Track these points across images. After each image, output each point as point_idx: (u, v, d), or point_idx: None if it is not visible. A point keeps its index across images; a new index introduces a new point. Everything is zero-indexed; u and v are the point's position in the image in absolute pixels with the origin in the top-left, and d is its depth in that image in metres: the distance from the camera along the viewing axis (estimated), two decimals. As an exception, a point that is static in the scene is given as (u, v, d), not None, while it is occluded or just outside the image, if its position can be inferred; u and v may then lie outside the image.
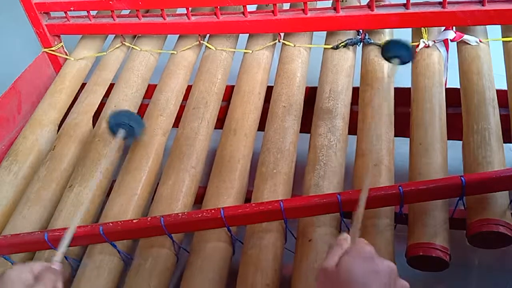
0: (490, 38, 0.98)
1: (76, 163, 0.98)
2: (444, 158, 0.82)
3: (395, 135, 0.89)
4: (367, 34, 1.04)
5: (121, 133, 0.84)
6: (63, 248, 0.64)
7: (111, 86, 1.13)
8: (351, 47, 1.04)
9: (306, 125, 0.95)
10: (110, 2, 1.08)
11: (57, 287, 0.58)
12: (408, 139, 0.88)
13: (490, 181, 0.68)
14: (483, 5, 0.90)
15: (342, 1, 1.04)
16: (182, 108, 1.04)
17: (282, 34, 1.08)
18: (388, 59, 0.78)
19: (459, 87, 0.94)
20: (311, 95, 1.02)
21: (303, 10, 1.00)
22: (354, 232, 0.57)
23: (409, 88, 0.96)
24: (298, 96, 0.98)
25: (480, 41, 0.96)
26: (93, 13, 1.16)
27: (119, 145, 0.84)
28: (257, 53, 1.07)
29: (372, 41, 1.02)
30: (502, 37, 0.96)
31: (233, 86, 1.05)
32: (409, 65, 0.82)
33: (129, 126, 0.84)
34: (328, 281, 0.51)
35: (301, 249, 0.76)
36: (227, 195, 0.85)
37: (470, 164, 0.79)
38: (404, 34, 1.05)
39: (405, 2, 0.95)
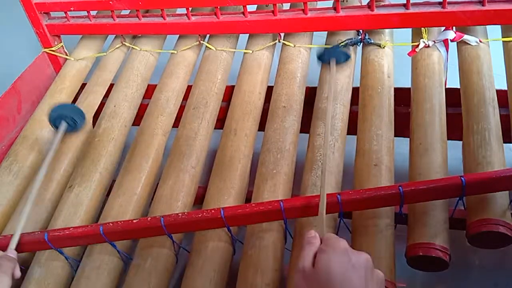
0: (490, 38, 0.98)
1: (76, 163, 0.98)
2: (444, 158, 0.82)
3: (395, 135, 0.89)
4: (367, 34, 1.04)
5: (63, 126, 0.88)
6: (16, 236, 0.73)
7: (111, 86, 1.13)
8: (351, 47, 1.04)
9: (306, 125, 0.95)
10: (110, 2, 1.08)
11: (16, 273, 0.68)
12: (408, 139, 0.88)
13: (490, 181, 0.68)
14: (483, 5, 0.90)
15: (342, 1, 1.04)
16: (182, 108, 1.04)
17: (282, 34, 1.08)
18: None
19: (459, 87, 0.94)
20: (311, 95, 1.02)
21: (303, 10, 1.00)
22: (322, 228, 0.57)
23: (409, 88, 0.96)
24: (298, 96, 0.98)
25: (480, 41, 0.96)
26: (93, 13, 1.16)
27: (61, 138, 0.89)
28: (257, 53, 1.07)
29: (372, 41, 1.02)
30: (502, 37, 0.96)
31: (233, 86, 1.05)
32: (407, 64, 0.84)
33: (70, 119, 0.88)
34: (306, 282, 0.51)
35: (298, 249, 0.76)
36: (227, 195, 0.85)
37: (470, 164, 0.79)
38: (404, 34, 1.05)
39: (405, 2, 0.95)
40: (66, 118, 0.88)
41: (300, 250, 0.54)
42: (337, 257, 0.50)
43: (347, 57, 0.88)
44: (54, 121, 0.87)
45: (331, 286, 0.48)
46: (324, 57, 0.89)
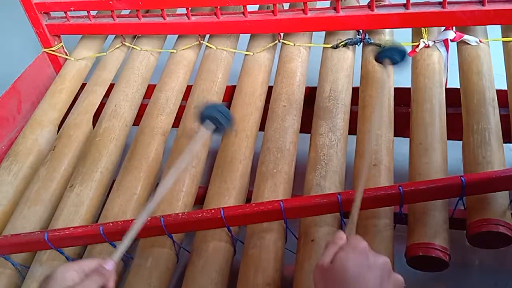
0: (490, 38, 0.98)
1: (77, 163, 0.98)
2: (444, 158, 0.82)
3: (395, 135, 0.89)
4: (367, 34, 1.04)
5: (210, 126, 0.77)
6: (124, 247, 0.59)
7: (111, 86, 1.13)
8: (350, 47, 1.04)
9: (306, 124, 0.95)
10: (110, 2, 1.08)
11: None
12: (408, 139, 0.88)
13: (490, 181, 0.68)
14: (483, 5, 0.90)
15: (342, 1, 1.04)
16: (182, 108, 1.04)
17: (282, 34, 1.08)
18: (381, 61, 0.79)
19: (459, 87, 0.94)
20: (311, 94, 1.02)
21: (303, 10, 1.00)
22: (350, 230, 0.57)
23: (409, 88, 0.96)
24: (298, 95, 0.98)
25: (480, 41, 0.96)
26: (93, 13, 1.16)
27: (206, 138, 0.79)
28: (258, 55, 1.07)
29: (372, 41, 1.02)
30: (502, 37, 0.96)
31: (233, 87, 1.05)
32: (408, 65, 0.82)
33: (218, 122, 0.77)
34: (324, 278, 0.51)
35: (303, 250, 0.76)
36: (228, 195, 0.85)
37: (470, 164, 0.79)
38: (404, 34, 1.05)
39: (405, 2, 0.95)
40: (216, 120, 0.76)
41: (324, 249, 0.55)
42: (354, 256, 0.51)
43: (404, 55, 0.79)
44: (203, 119, 0.80)
45: (345, 283, 0.49)
46: (380, 57, 0.80)
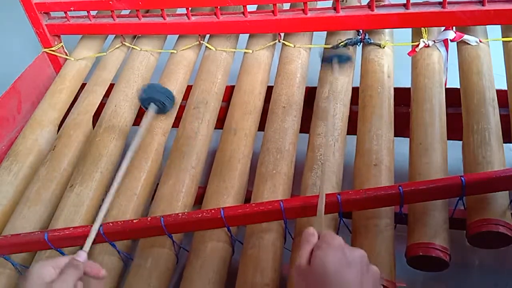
0: (490, 38, 0.98)
1: (77, 163, 0.98)
2: (444, 158, 0.82)
3: (395, 135, 0.89)
4: (367, 34, 1.04)
5: (152, 107, 0.83)
6: (91, 236, 0.64)
7: (111, 86, 1.13)
8: (351, 47, 1.04)
9: (306, 125, 0.95)
10: (110, 2, 1.08)
11: (78, 285, 0.56)
12: (408, 139, 0.88)
13: (490, 181, 0.68)
14: (483, 5, 0.90)
15: (342, 1, 1.04)
16: (182, 108, 1.04)
17: (282, 34, 1.08)
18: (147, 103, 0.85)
19: (459, 87, 0.94)
20: (311, 95, 1.02)
21: (303, 10, 1.00)
22: (319, 224, 0.57)
23: (409, 88, 0.96)
24: (298, 96, 0.98)
25: (480, 41, 0.96)
26: (93, 13, 1.16)
27: (150, 119, 0.84)
28: (257, 53, 1.07)
29: (372, 41, 1.03)
30: (502, 37, 0.96)
31: (233, 86, 1.05)
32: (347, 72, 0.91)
33: (160, 102, 0.83)
34: (304, 279, 0.51)
35: (298, 249, 0.76)
36: (227, 195, 0.86)
37: (470, 164, 0.79)
38: (404, 34, 1.05)
39: (405, 2, 0.95)
40: (156, 100, 0.83)
41: (298, 248, 0.55)
42: (333, 253, 0.51)
43: (349, 58, 0.88)
44: (144, 103, 0.84)
45: (327, 282, 0.49)
46: (326, 58, 0.89)
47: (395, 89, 0.97)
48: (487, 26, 0.98)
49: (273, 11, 1.02)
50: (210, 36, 1.14)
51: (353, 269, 0.49)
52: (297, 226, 0.80)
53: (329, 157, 0.85)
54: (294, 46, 1.06)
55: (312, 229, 0.56)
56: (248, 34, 1.13)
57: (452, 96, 0.94)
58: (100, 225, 0.68)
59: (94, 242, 0.80)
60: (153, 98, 0.83)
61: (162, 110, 0.85)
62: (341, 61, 0.86)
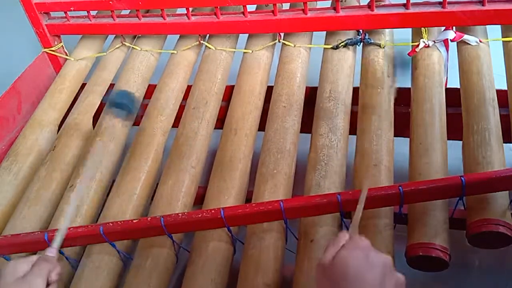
0: (490, 38, 0.98)
1: (77, 162, 0.98)
2: (444, 158, 0.82)
3: (395, 135, 0.89)
4: (367, 34, 1.04)
5: (116, 112, 0.86)
6: (60, 236, 0.67)
7: (111, 86, 1.13)
8: (351, 47, 1.04)
9: (307, 125, 0.95)
10: (110, 2, 1.08)
11: (52, 277, 0.60)
12: (408, 139, 0.88)
13: (490, 181, 0.68)
14: (483, 5, 0.90)
15: (342, 1, 1.04)
16: (182, 108, 1.04)
17: (282, 34, 1.08)
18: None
19: (459, 87, 0.94)
20: (311, 95, 1.02)
21: (303, 10, 1.00)
22: (353, 229, 0.57)
23: (409, 88, 0.96)
24: (298, 96, 0.98)
25: (480, 41, 0.96)
26: (93, 13, 1.16)
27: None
28: (257, 53, 1.07)
29: (372, 41, 1.02)
30: (502, 37, 0.96)
31: (233, 86, 1.05)
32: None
33: (123, 105, 0.85)
34: (325, 276, 0.52)
35: (303, 250, 0.76)
36: (227, 195, 0.85)
37: (470, 164, 0.79)
38: (404, 34, 1.05)
39: (405, 2, 0.95)
40: (122, 106, 0.85)
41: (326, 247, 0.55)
42: (355, 254, 0.51)
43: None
44: (111, 107, 0.86)
45: (345, 280, 0.49)
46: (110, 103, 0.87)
47: (395, 89, 0.97)
48: (487, 26, 0.98)
49: (273, 11, 1.02)
50: (210, 36, 1.14)
51: (375, 271, 0.49)
52: (301, 226, 0.80)
53: (332, 157, 0.85)
54: (294, 46, 1.06)
55: (346, 232, 0.56)
56: (248, 34, 1.13)
57: (452, 96, 0.94)
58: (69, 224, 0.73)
59: (94, 242, 0.81)
60: (122, 104, 0.85)
61: (127, 114, 0.87)
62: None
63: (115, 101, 0.85)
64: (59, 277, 0.61)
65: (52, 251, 0.64)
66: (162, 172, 0.93)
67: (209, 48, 1.11)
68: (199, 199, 0.91)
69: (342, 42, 1.03)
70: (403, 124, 0.94)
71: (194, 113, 0.99)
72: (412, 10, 0.94)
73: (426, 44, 0.98)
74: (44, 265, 0.60)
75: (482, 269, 1.00)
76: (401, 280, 0.51)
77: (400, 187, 0.69)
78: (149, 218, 0.77)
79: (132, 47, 1.17)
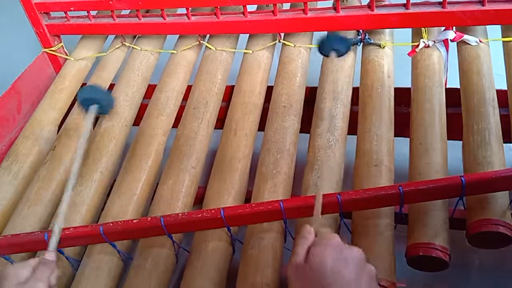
0: (490, 38, 0.98)
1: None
2: (444, 158, 0.82)
3: (395, 135, 0.89)
4: (367, 34, 1.04)
5: (93, 109, 0.85)
6: (56, 236, 0.68)
7: (111, 86, 1.13)
8: (351, 47, 1.04)
9: (306, 125, 0.95)
10: (110, 2, 1.08)
11: (51, 280, 0.61)
12: (408, 139, 0.88)
13: (490, 181, 0.68)
14: (483, 5, 0.90)
15: (342, 1, 1.04)
16: (182, 108, 1.04)
17: (282, 34, 1.08)
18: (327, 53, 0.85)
19: (459, 87, 0.94)
20: (311, 95, 1.02)
21: (303, 10, 1.00)
22: (317, 223, 0.57)
23: (409, 88, 0.96)
24: (298, 96, 0.98)
25: (480, 41, 0.96)
26: (93, 13, 1.16)
27: (91, 120, 0.85)
28: (257, 53, 1.07)
29: (372, 41, 1.03)
30: (502, 37, 0.96)
31: (233, 86, 1.05)
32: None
33: (98, 102, 0.85)
34: (300, 276, 0.51)
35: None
36: (227, 195, 0.86)
37: (470, 164, 0.79)
38: (404, 34, 1.05)
39: (405, 2, 0.95)
40: (96, 101, 0.85)
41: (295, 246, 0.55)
42: (329, 251, 0.51)
43: (348, 46, 0.85)
44: (83, 104, 0.86)
45: (322, 278, 0.49)
46: (324, 49, 0.86)
47: (395, 89, 0.97)
48: (487, 26, 0.98)
49: (273, 11, 1.02)
50: (210, 36, 1.14)
51: (350, 266, 0.50)
52: (298, 226, 0.80)
53: (329, 157, 0.85)
54: (294, 46, 1.06)
55: (309, 227, 0.56)
56: (248, 34, 1.13)
57: (452, 96, 0.94)
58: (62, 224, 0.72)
59: (94, 242, 0.81)
60: (94, 99, 0.85)
61: (102, 110, 0.87)
62: (339, 51, 0.84)
63: (86, 96, 0.85)
64: (57, 280, 0.63)
65: (51, 255, 0.65)
66: (162, 172, 0.93)
67: (209, 48, 1.11)
68: (199, 199, 0.91)
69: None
70: (403, 124, 0.94)
71: (194, 113, 0.99)
72: (412, 10, 0.94)
73: (426, 44, 0.98)
74: (45, 269, 0.61)
75: (482, 269, 1.00)
76: (373, 271, 0.52)
77: (400, 187, 0.69)
78: (149, 218, 0.77)
79: (132, 47, 1.17)
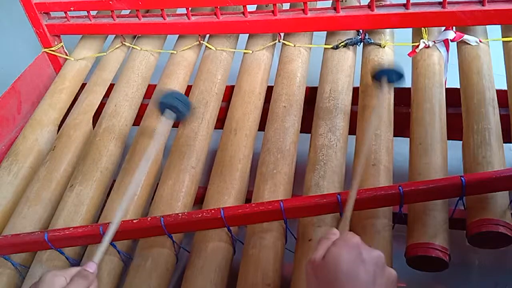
0: (490, 38, 0.98)
1: (77, 162, 0.98)
2: (444, 158, 0.82)
3: (395, 135, 0.89)
4: (367, 34, 1.04)
5: (169, 114, 0.81)
6: (103, 248, 0.62)
7: (111, 86, 1.13)
8: (351, 47, 1.04)
9: (307, 125, 0.95)
10: (110, 2, 1.08)
11: None
12: (408, 139, 0.88)
13: (490, 181, 0.68)
14: (483, 5, 0.90)
15: (342, 1, 1.04)
16: (182, 108, 1.04)
17: (282, 34, 1.08)
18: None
19: (459, 87, 0.94)
20: (311, 95, 1.02)
21: (303, 10, 1.00)
22: (343, 226, 0.57)
23: (409, 88, 0.96)
24: (298, 96, 0.98)
25: (480, 41, 0.96)
26: (93, 13, 1.16)
27: (168, 125, 0.83)
28: (257, 53, 1.07)
29: (372, 41, 1.03)
30: (502, 37, 0.96)
31: (233, 86, 1.05)
32: (400, 67, 0.82)
33: (177, 109, 0.81)
34: (315, 273, 0.51)
35: (301, 249, 0.76)
36: (227, 195, 0.86)
37: (470, 164, 0.79)
38: (404, 34, 1.05)
39: (405, 2, 0.95)
40: (174, 108, 0.81)
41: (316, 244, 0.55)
42: (347, 250, 0.50)
43: (400, 76, 0.81)
44: (163, 109, 0.82)
45: (338, 277, 0.49)
46: (377, 76, 0.82)
47: (395, 89, 0.97)
48: (487, 26, 0.98)
49: (273, 11, 1.02)
50: (210, 36, 1.14)
51: (367, 268, 0.49)
52: (300, 226, 0.80)
53: (331, 157, 0.85)
54: (294, 46, 1.06)
55: (335, 229, 0.56)
56: (248, 34, 1.13)
57: (452, 96, 0.94)
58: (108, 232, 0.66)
59: (94, 242, 0.81)
60: (172, 105, 0.81)
61: (179, 117, 0.83)
62: (391, 80, 0.80)
63: (167, 102, 0.81)
64: None
65: (92, 267, 0.60)
66: (162, 172, 0.93)
67: (209, 48, 1.11)
68: (199, 199, 0.91)
69: (342, 42, 1.03)
70: (403, 124, 0.94)
71: (194, 113, 0.99)
72: (412, 10, 0.94)
73: (426, 44, 0.98)
74: (82, 282, 0.57)
75: (482, 269, 1.00)
76: (393, 275, 0.51)
77: (400, 187, 0.69)
78: (149, 218, 0.77)
79: (132, 47, 1.17)
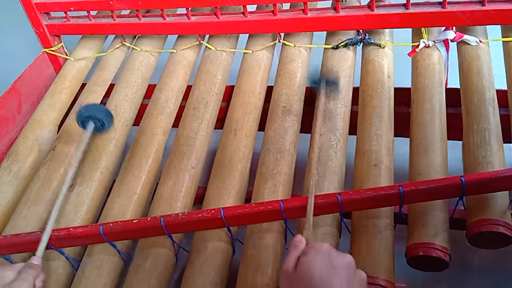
0: (490, 38, 0.98)
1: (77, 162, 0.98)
2: (444, 158, 0.82)
3: (395, 135, 0.89)
4: (367, 34, 1.04)
5: (91, 126, 0.87)
6: (43, 243, 0.71)
7: (111, 86, 1.13)
8: (351, 47, 1.04)
9: (307, 125, 0.95)
10: (110, 2, 1.08)
11: (36, 284, 0.63)
12: (408, 139, 0.88)
13: (490, 181, 0.68)
14: (483, 5, 0.91)
15: (342, 1, 1.04)
16: (182, 108, 1.04)
17: (282, 34, 1.08)
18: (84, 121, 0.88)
19: (459, 87, 0.94)
20: (311, 95, 1.02)
21: (303, 10, 1.00)
22: (308, 233, 0.57)
23: (409, 88, 0.96)
24: (298, 96, 0.98)
25: (480, 41, 0.96)
26: (93, 13, 1.16)
27: (88, 139, 0.88)
28: (257, 53, 1.07)
29: (372, 41, 1.03)
30: (502, 37, 0.96)
31: (233, 86, 1.05)
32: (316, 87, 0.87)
33: (99, 120, 0.88)
34: (290, 283, 0.51)
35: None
36: (227, 195, 0.86)
37: (470, 164, 0.79)
38: (404, 34, 1.05)
39: (405, 2, 0.95)
40: (95, 119, 0.87)
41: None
42: (318, 258, 0.51)
43: (335, 83, 0.87)
44: (83, 122, 0.87)
45: (312, 286, 0.49)
46: (314, 81, 0.87)
47: (395, 89, 0.97)
48: (487, 26, 0.98)
49: (273, 11, 1.02)
50: (210, 36, 1.14)
51: (339, 274, 0.50)
52: (300, 226, 0.80)
53: (331, 157, 0.85)
54: (294, 46, 1.06)
55: (300, 236, 0.56)
56: (248, 34, 1.13)
57: (452, 96, 0.94)
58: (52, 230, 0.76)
59: (94, 242, 0.81)
60: (93, 117, 0.87)
61: (100, 129, 0.89)
62: (328, 86, 0.86)
63: (86, 115, 0.87)
64: (43, 284, 0.65)
65: (37, 260, 0.68)
66: (162, 172, 0.93)
67: (209, 48, 1.11)
68: (199, 199, 0.91)
69: (342, 42, 1.03)
70: (403, 124, 0.94)
71: (194, 113, 0.99)
72: (412, 10, 0.94)
73: (426, 44, 0.98)
74: (30, 271, 0.64)
75: (482, 269, 1.00)
76: (364, 277, 0.52)
77: (400, 187, 0.69)
78: (149, 218, 0.77)
79: (132, 47, 1.17)
